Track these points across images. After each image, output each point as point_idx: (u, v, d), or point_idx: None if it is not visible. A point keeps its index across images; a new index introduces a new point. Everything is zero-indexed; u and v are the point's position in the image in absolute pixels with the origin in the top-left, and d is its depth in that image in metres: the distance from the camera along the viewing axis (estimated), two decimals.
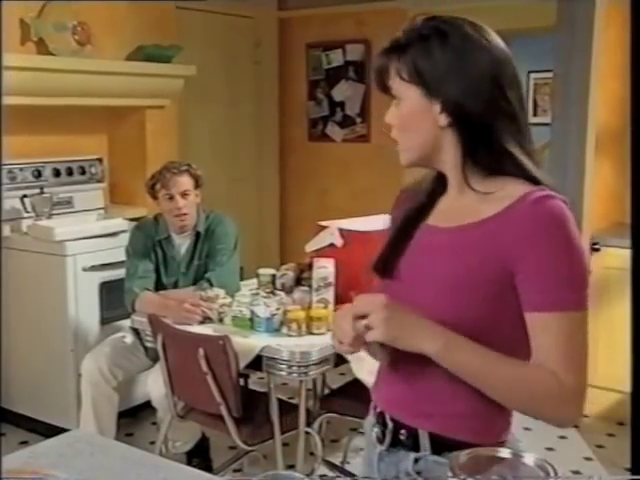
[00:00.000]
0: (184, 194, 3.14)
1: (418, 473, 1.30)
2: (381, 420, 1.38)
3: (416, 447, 1.31)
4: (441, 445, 1.28)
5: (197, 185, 3.20)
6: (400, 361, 1.29)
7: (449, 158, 1.28)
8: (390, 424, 1.35)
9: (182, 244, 3.24)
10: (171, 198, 3.13)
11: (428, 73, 1.23)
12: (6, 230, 3.69)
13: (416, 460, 1.31)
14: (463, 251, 1.25)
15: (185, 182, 3.15)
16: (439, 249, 1.29)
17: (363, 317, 1.19)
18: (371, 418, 1.42)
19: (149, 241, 3.22)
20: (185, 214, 3.15)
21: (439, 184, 1.35)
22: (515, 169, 1.24)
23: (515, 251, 1.19)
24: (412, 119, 1.27)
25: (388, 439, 1.35)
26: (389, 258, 1.36)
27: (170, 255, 3.23)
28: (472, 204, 1.27)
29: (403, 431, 1.33)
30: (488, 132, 1.23)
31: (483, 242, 1.23)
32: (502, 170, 1.24)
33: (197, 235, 3.23)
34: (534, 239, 1.18)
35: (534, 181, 1.24)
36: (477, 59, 1.22)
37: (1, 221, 3.61)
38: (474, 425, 1.28)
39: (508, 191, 1.23)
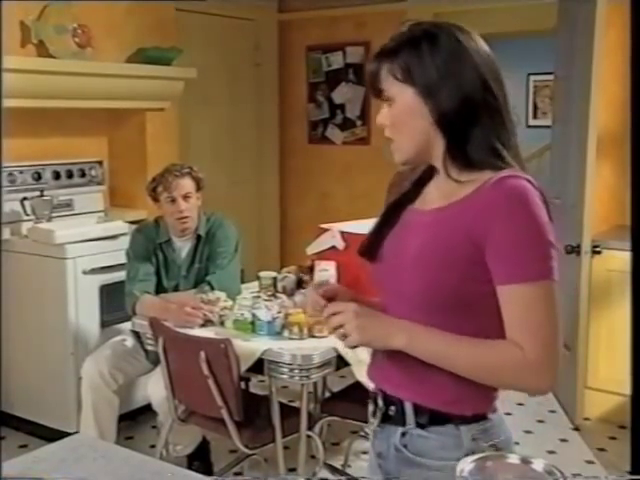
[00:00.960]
0: (186, 197, 3.14)
1: (405, 446, 1.38)
2: (374, 398, 1.45)
3: (404, 421, 1.38)
4: (425, 417, 1.35)
5: (198, 188, 3.20)
6: None
7: (438, 152, 1.34)
8: (381, 401, 1.42)
9: (183, 247, 3.24)
10: (173, 201, 3.13)
11: (420, 74, 1.30)
12: (6, 233, 3.68)
13: (403, 434, 1.39)
14: (434, 228, 1.33)
15: (187, 185, 3.15)
16: (416, 228, 1.37)
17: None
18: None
19: (150, 244, 3.21)
20: (187, 217, 3.15)
21: (427, 172, 1.43)
22: (492, 164, 1.29)
23: (480, 228, 1.25)
24: (406, 118, 1.33)
25: (379, 415, 1.43)
26: (373, 242, 1.45)
27: (171, 258, 3.23)
28: (451, 190, 1.33)
29: (392, 407, 1.40)
30: (469, 132, 1.30)
31: (451, 221, 1.30)
32: (479, 163, 1.30)
33: (198, 238, 3.22)
34: (495, 215, 1.24)
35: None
36: (466, 60, 1.29)
37: (1, 224, 3.61)
38: (448, 395, 1.33)
39: (480, 178, 1.29)
